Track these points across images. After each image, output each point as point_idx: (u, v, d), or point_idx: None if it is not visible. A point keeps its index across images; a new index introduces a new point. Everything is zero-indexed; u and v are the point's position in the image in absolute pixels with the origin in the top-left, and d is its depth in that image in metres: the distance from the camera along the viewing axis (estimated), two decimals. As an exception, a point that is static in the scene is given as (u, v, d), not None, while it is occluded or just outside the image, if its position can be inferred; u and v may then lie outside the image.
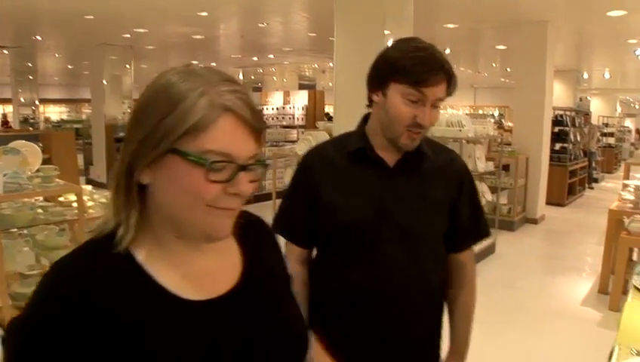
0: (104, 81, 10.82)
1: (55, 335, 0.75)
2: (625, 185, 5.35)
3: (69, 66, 16.48)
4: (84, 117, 20.45)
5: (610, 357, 1.54)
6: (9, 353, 0.78)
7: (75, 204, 4.01)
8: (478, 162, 5.92)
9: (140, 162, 0.80)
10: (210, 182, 0.79)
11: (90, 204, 4.39)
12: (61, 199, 4.40)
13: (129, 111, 11.76)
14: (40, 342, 0.75)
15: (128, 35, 9.92)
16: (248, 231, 0.98)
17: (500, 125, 14.43)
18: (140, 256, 0.83)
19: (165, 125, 0.78)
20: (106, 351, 0.76)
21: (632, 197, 4.95)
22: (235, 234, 0.91)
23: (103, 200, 4.53)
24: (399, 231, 1.48)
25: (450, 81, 1.40)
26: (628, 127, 19.64)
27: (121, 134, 10.92)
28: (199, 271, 0.88)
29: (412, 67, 1.35)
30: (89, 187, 4.95)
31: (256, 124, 0.82)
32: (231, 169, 0.80)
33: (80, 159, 10.54)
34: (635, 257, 4.91)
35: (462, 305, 1.74)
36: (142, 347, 0.77)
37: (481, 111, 21.70)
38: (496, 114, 21.35)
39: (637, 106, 26.20)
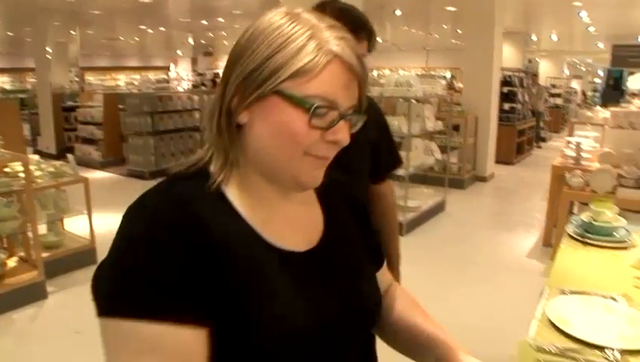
0: (48, 49, 10.42)
1: (158, 261, 0.71)
2: (568, 142, 5.56)
3: (10, 33, 15.76)
4: (28, 86, 19.70)
5: (540, 297, 1.65)
6: (106, 295, 0.72)
7: (22, 175, 3.93)
8: (427, 121, 6.03)
9: (240, 102, 0.78)
10: (311, 128, 0.77)
11: (37, 173, 4.30)
12: (7, 170, 4.29)
13: (76, 79, 11.42)
14: (144, 271, 0.70)
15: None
16: (332, 189, 0.95)
17: (450, 86, 14.61)
18: (230, 195, 0.81)
19: (271, 66, 0.76)
20: (198, 282, 0.72)
21: (573, 154, 5.16)
22: (318, 190, 0.90)
23: (52, 169, 4.45)
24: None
25: (370, 38, 1.61)
26: (574, 89, 20.13)
27: (69, 103, 10.63)
28: (284, 220, 0.86)
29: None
30: (36, 156, 4.85)
31: (361, 73, 0.80)
32: (332, 116, 0.78)
33: (26, 130, 10.22)
34: (575, 210, 5.13)
35: (389, 228, 2.05)
36: (233, 285, 0.75)
37: (433, 73, 21.88)
38: (448, 75, 21.57)
39: (583, 68, 26.87)
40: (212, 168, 0.81)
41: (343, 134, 0.80)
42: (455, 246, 5.45)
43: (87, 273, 4.30)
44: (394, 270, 2.08)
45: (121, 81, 23.12)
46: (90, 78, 20.83)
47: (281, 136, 0.78)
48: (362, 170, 1.81)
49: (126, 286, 0.70)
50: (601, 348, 1.30)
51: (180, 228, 0.73)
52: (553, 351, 1.31)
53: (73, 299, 3.94)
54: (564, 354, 1.30)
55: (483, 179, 8.36)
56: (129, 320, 0.69)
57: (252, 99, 0.78)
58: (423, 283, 4.25)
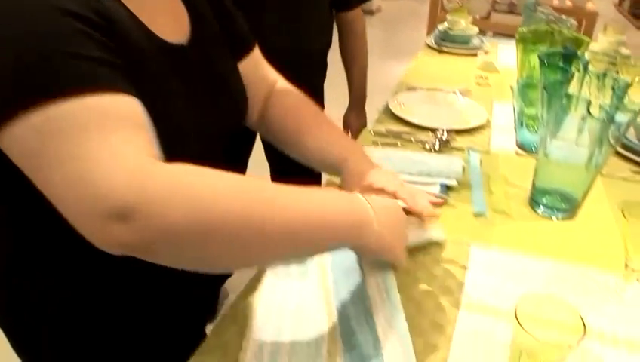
0: None
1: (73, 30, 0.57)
2: (449, -31, 5.59)
3: None
4: None
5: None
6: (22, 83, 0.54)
7: None
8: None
9: None
10: None
11: None
12: None
13: None
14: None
15: None
16: None
17: None
18: None
19: None
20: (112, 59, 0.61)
21: (452, -19, 5.23)
22: None
23: None
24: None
25: None
26: None
27: None
28: (152, 7, 0.74)
29: None
30: None
31: None
32: None
33: None
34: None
35: (357, 59, 2.02)
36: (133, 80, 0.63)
37: None
38: None
39: None
40: None
41: None
42: (338, 74, 5.54)
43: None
44: (360, 112, 2.15)
45: None
46: None
47: None
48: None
49: (49, 63, 0.55)
50: (433, 130, 1.44)
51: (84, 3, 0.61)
52: (388, 133, 1.44)
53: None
54: (399, 135, 1.43)
55: (370, 13, 8.28)
56: (72, 98, 0.54)
57: None
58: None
